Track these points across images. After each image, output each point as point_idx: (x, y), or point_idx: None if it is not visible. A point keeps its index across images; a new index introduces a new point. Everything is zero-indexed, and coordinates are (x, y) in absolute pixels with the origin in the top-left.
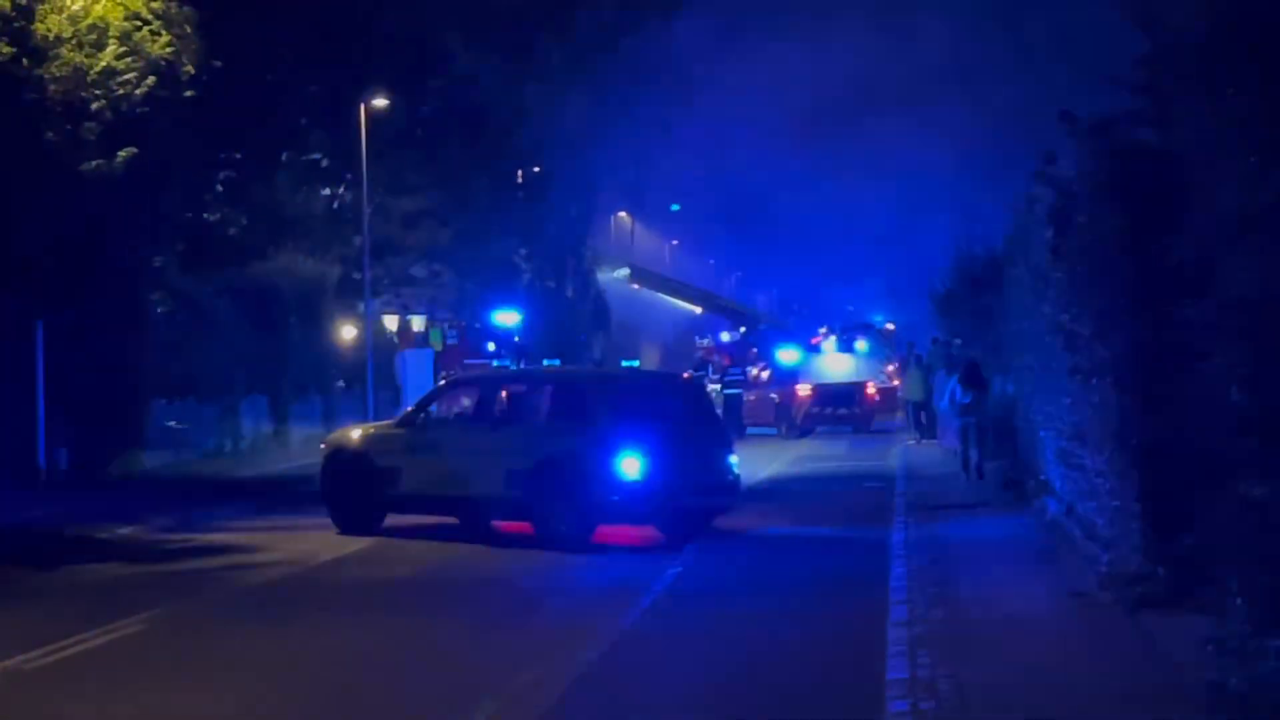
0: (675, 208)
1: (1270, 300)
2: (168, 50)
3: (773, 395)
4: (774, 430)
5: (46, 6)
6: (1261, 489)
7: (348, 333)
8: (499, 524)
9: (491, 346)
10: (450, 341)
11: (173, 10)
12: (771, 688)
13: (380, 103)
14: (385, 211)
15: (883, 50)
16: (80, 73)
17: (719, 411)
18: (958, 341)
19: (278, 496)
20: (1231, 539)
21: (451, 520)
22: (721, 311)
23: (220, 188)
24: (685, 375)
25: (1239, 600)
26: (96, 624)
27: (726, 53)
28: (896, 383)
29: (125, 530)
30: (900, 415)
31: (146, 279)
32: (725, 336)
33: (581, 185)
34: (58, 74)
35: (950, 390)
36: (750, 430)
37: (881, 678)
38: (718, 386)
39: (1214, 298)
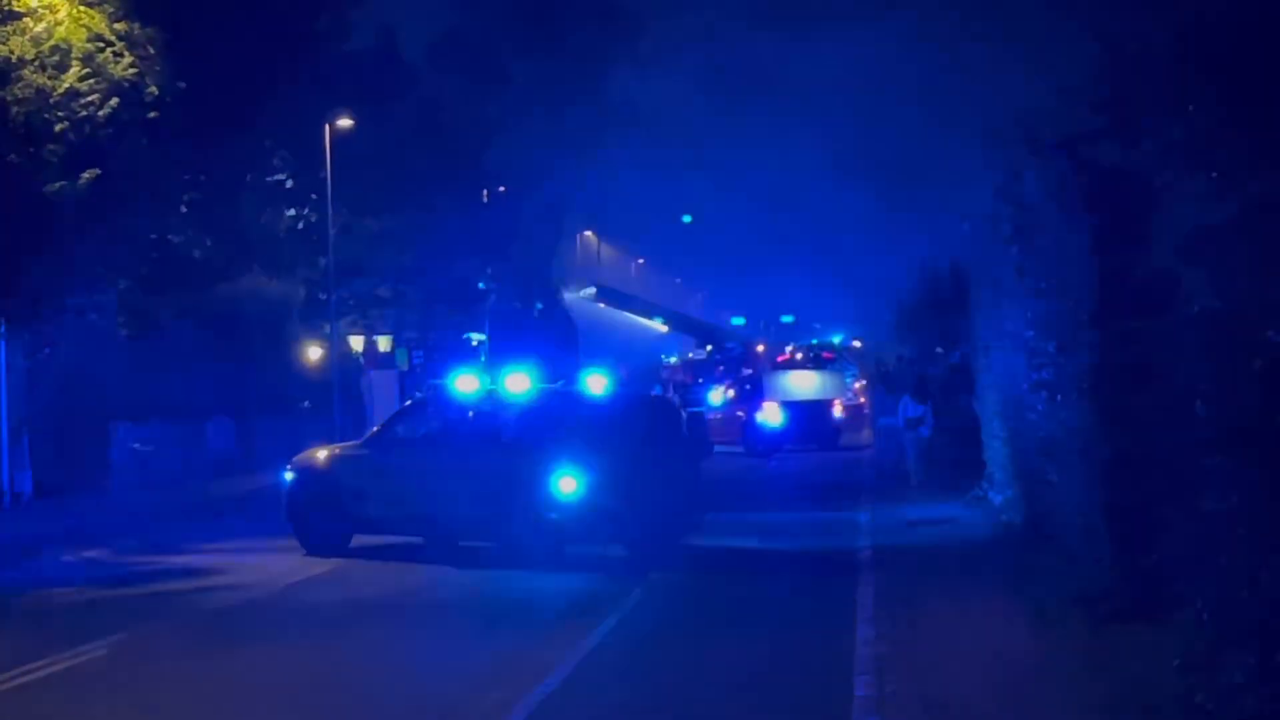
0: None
1: (1231, 315)
2: (131, 72)
3: (739, 413)
4: (741, 448)
5: (9, 29)
6: (1225, 505)
7: (313, 353)
8: (465, 543)
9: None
10: (416, 362)
11: (136, 31)
12: (737, 707)
13: (345, 123)
14: (350, 232)
15: (847, 63)
16: (43, 95)
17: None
18: (901, 356)
19: (244, 518)
20: (1196, 554)
21: (418, 540)
22: (688, 330)
23: (185, 209)
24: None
25: (1204, 615)
26: (61, 648)
27: (693, 71)
28: (864, 400)
29: (91, 553)
30: (868, 433)
31: (111, 301)
32: (690, 355)
33: (548, 205)
34: (20, 96)
35: (901, 405)
36: (717, 449)
37: (850, 695)
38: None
39: (1176, 313)
